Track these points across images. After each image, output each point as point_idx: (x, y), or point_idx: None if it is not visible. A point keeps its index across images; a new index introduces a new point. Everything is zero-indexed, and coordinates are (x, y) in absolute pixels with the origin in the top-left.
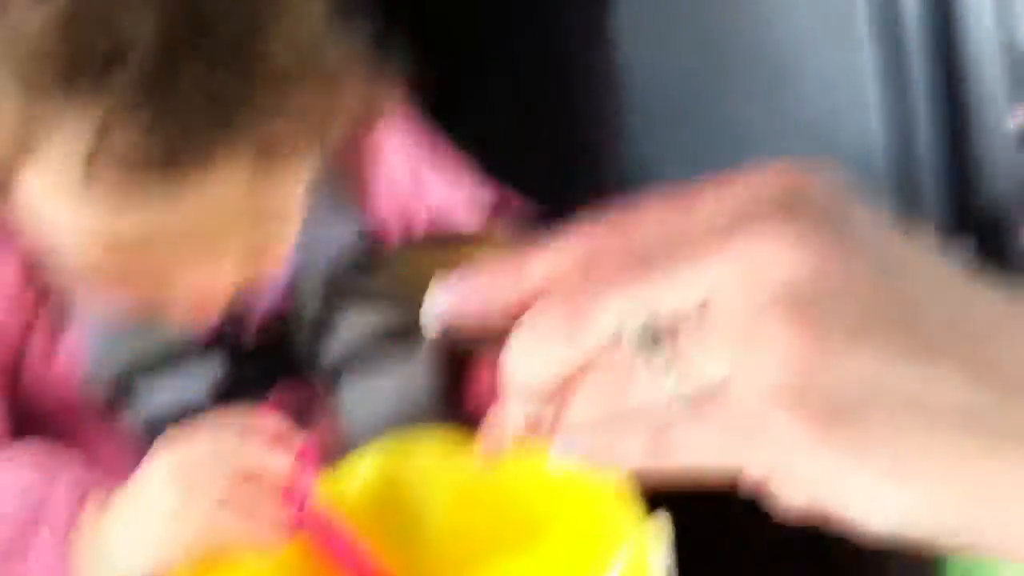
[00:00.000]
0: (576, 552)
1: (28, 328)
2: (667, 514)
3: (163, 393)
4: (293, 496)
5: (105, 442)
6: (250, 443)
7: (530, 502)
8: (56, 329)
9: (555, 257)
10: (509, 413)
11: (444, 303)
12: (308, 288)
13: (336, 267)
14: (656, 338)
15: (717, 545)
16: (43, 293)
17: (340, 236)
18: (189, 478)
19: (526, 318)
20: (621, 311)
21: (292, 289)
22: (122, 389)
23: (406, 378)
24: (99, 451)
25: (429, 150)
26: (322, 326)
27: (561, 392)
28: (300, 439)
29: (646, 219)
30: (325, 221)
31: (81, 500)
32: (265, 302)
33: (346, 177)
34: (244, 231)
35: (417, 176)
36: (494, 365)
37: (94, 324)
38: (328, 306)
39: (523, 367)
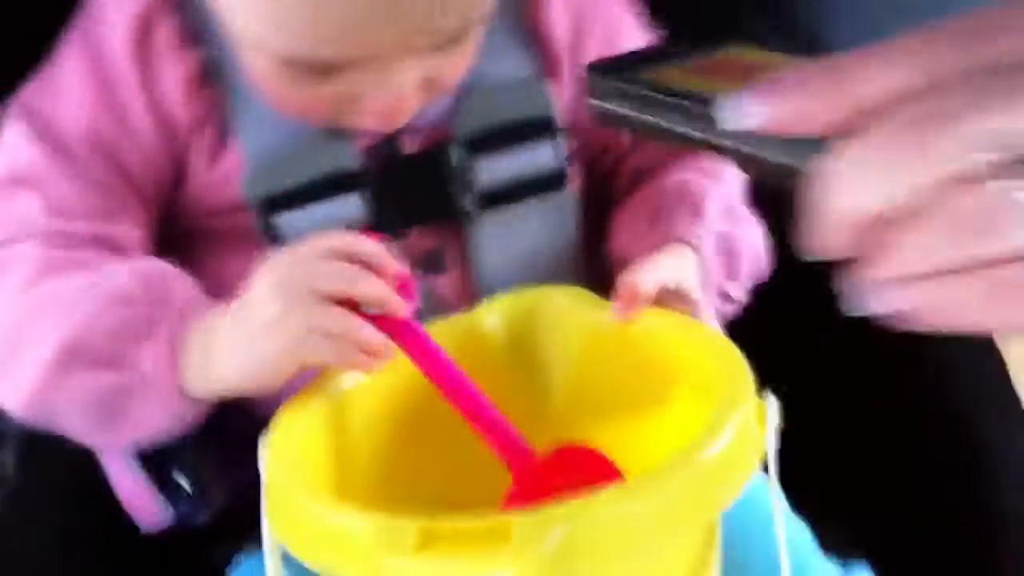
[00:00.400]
0: (695, 416)
1: (189, 143)
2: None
3: (305, 224)
4: (387, 321)
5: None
6: (358, 269)
7: (657, 362)
8: (217, 148)
9: (889, 72)
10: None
11: (754, 111)
12: (465, 126)
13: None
14: None
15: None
16: (211, 106)
17: (511, 70)
18: (290, 297)
19: (862, 138)
20: (980, 141)
21: (449, 124)
22: (267, 217)
23: (546, 229)
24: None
25: None
26: (466, 169)
27: (878, 232)
28: (400, 268)
29: (994, 33)
30: (497, 53)
31: (195, 312)
32: (418, 137)
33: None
34: (425, 57)
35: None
36: (630, 223)
37: (253, 147)
38: (475, 148)
39: (851, 192)
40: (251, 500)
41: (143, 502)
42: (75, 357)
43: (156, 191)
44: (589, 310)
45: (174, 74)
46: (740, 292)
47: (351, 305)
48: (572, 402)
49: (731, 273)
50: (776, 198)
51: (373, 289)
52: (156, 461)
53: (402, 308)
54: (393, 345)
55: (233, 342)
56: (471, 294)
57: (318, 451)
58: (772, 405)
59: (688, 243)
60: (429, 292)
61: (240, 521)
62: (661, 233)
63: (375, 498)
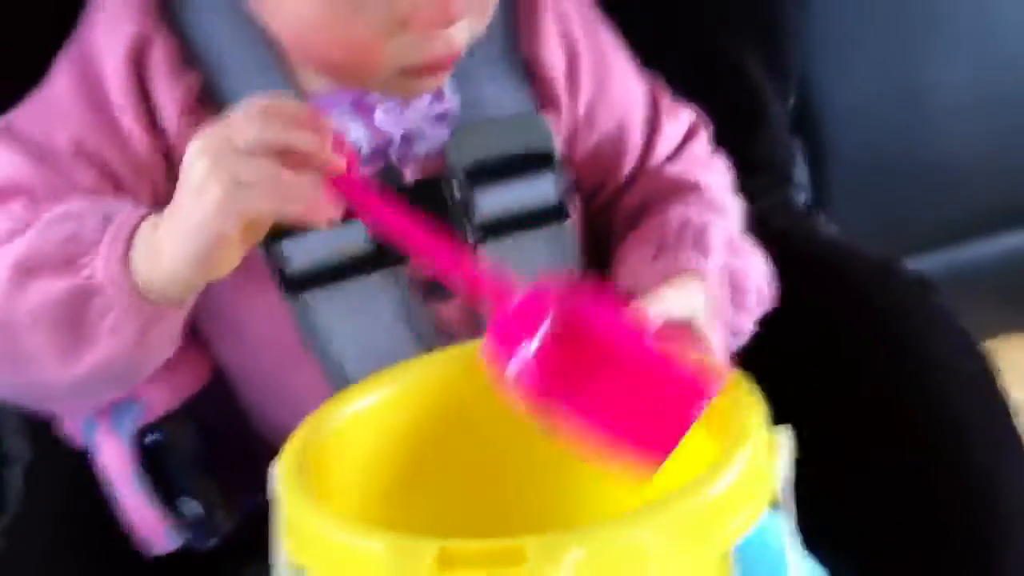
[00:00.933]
0: (705, 449)
1: None
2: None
3: (308, 251)
4: (331, 179)
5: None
6: (280, 122)
7: None
8: None
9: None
10: None
11: None
12: (464, 156)
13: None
14: None
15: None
16: None
17: (509, 103)
18: (212, 156)
19: None
20: None
21: (449, 155)
22: (269, 244)
23: (547, 258)
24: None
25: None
26: (466, 199)
27: None
28: (335, 128)
29: None
30: (494, 86)
31: (141, 214)
32: (418, 168)
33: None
34: None
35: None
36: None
37: None
38: (474, 179)
39: None
40: (260, 523)
41: (149, 527)
42: (29, 270)
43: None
44: None
45: (171, 97)
46: (747, 324)
47: (286, 158)
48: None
49: (738, 305)
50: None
51: (297, 138)
52: (163, 485)
53: (334, 159)
54: (333, 193)
55: (172, 226)
56: (475, 321)
57: (332, 473)
58: (785, 438)
59: (694, 275)
60: (433, 319)
61: (249, 543)
62: (666, 266)
63: (390, 521)
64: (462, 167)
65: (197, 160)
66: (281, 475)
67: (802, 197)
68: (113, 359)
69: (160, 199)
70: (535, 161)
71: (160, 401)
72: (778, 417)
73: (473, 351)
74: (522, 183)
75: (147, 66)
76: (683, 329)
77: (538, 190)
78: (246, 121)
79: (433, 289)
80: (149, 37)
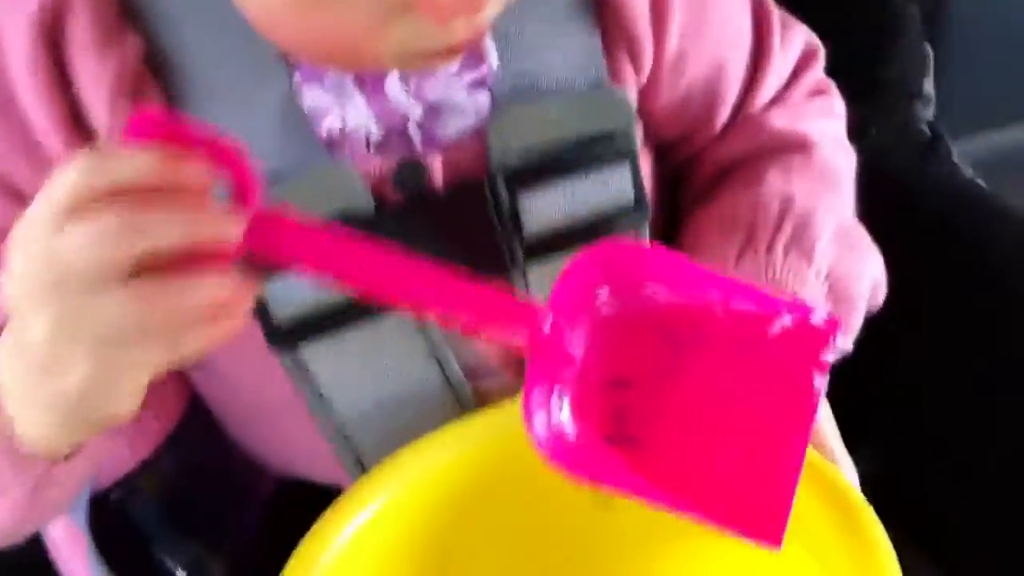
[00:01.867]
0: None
1: None
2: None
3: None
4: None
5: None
6: (125, 210)
7: None
8: None
9: None
10: None
11: None
12: (508, 146)
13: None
14: None
15: None
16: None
17: (567, 48)
18: (53, 307)
19: None
20: None
21: (488, 143)
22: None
23: None
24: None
25: None
26: (511, 207)
27: None
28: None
29: None
30: (551, 41)
31: None
32: (447, 163)
33: None
34: None
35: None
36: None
37: None
38: (522, 178)
39: None
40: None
41: None
42: None
43: None
44: None
45: (98, 77)
46: (848, 343)
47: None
48: (640, 518)
49: (841, 324)
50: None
51: (163, 229)
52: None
53: (228, 226)
54: (244, 282)
55: (16, 388)
56: (517, 364)
57: None
58: None
59: (793, 290)
60: (465, 355)
61: None
62: (753, 269)
63: None
64: (506, 162)
65: (25, 305)
66: None
67: (929, 112)
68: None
69: None
70: (605, 149)
71: (120, 462)
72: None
73: (504, 418)
74: (586, 181)
75: (64, 43)
76: None
77: (611, 187)
78: (62, 227)
79: None
80: (65, 3)
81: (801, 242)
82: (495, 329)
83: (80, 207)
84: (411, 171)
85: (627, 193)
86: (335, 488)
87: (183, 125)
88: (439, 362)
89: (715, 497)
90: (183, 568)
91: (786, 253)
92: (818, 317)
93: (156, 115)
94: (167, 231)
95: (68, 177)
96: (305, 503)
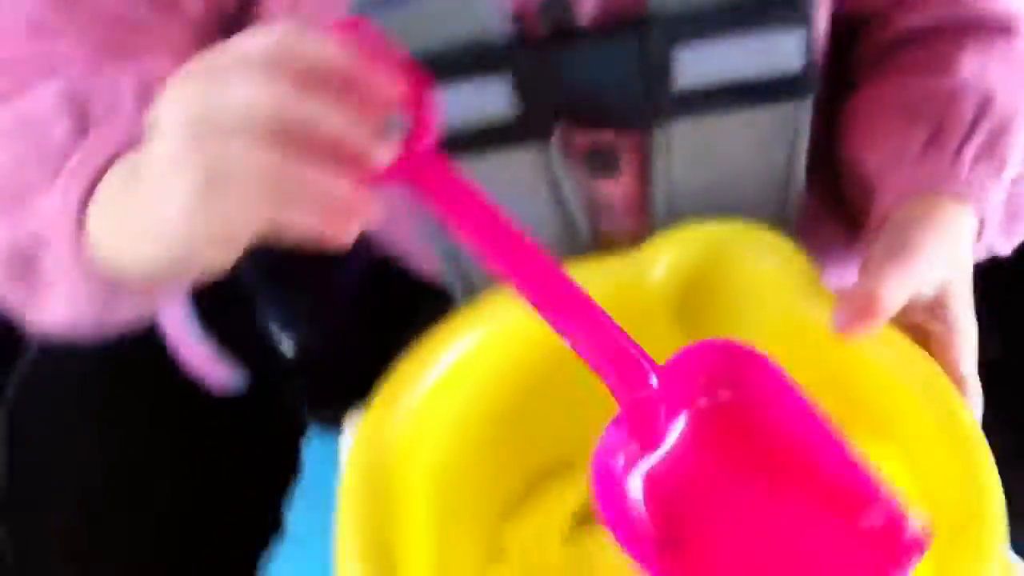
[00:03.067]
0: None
1: None
2: None
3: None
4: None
5: None
6: (297, 82)
7: (864, 407)
8: None
9: None
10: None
11: None
12: None
13: None
14: None
15: None
16: None
17: None
18: (188, 126)
19: None
20: None
21: None
22: None
23: (760, 145)
24: None
25: None
26: (666, 57)
27: None
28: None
29: None
30: None
31: (110, 154)
32: (599, 3)
33: None
34: None
35: None
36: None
37: None
38: (681, 29)
39: None
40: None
41: (209, 362)
42: None
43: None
44: (794, 291)
45: None
46: (1008, 249)
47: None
48: None
49: (1009, 231)
50: None
51: (322, 116)
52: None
53: (378, 151)
54: (371, 195)
55: (131, 201)
56: (641, 210)
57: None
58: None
59: (969, 207)
60: (590, 197)
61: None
62: (935, 172)
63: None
64: (666, 8)
65: (169, 123)
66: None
67: None
68: (79, 322)
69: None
70: (782, 9)
71: None
72: None
73: (612, 269)
74: (753, 39)
75: None
76: (928, 313)
77: (775, 52)
78: (244, 74)
79: (599, 161)
80: None
81: (994, 150)
82: (604, 367)
83: (269, 63)
84: (559, 3)
85: (795, 61)
86: (433, 283)
87: (386, 42)
88: (561, 198)
89: None
90: (279, 328)
91: (976, 161)
92: (911, 530)
93: (363, 24)
94: (330, 119)
95: (271, 34)
96: (401, 294)
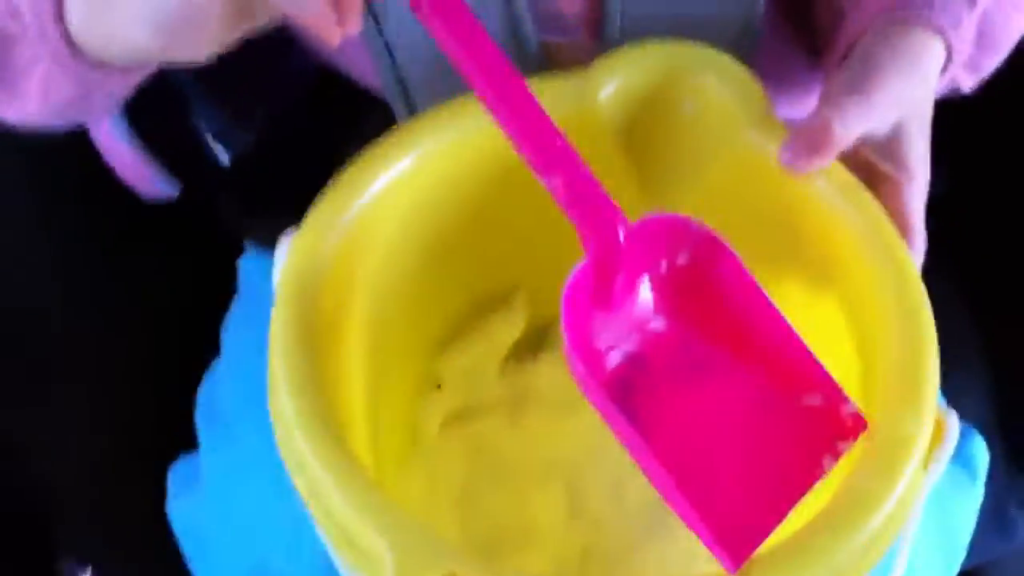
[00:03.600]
0: (832, 335)
1: None
2: None
3: None
4: None
5: None
6: None
7: (807, 243)
8: None
9: None
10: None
11: None
12: None
13: None
14: None
15: None
16: None
17: None
18: None
19: None
20: None
21: None
22: None
23: None
24: None
25: None
26: None
27: None
28: None
29: None
30: None
31: None
32: None
33: None
34: None
35: None
36: None
37: None
38: None
39: None
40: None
41: (141, 170)
42: None
43: None
44: (746, 120)
45: None
46: (973, 84)
47: None
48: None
49: (975, 66)
50: None
51: None
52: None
53: None
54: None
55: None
56: (594, 26)
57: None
58: (952, 426)
59: (937, 38)
60: (542, 9)
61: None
62: (906, 11)
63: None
64: None
65: None
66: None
67: None
68: (55, 109)
69: None
70: None
71: None
72: None
73: (561, 88)
74: None
75: None
76: (881, 154)
77: None
78: None
79: None
80: None
81: None
82: (576, 210)
83: None
84: None
85: None
86: (375, 95)
87: None
88: (512, 11)
89: (693, 491)
90: (214, 136)
91: None
92: (849, 410)
93: None
94: None
95: None
96: (343, 106)
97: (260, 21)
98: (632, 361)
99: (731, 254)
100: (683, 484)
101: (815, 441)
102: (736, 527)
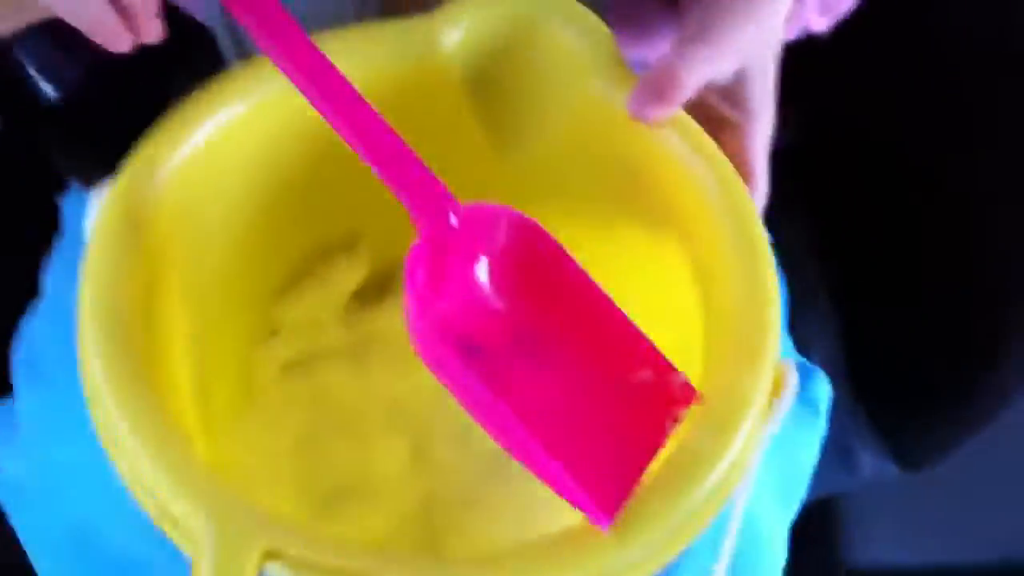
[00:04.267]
0: (671, 273)
1: None
2: None
3: None
4: None
5: None
6: None
7: (652, 188)
8: None
9: None
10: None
11: None
12: None
13: None
14: None
15: None
16: None
17: None
18: None
19: None
20: None
21: None
22: None
23: None
24: None
25: None
26: None
27: None
28: None
29: None
30: None
31: None
32: None
33: None
34: None
35: None
36: None
37: None
38: None
39: None
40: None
41: None
42: None
43: None
44: (595, 70)
45: None
46: (827, 25)
47: None
48: (527, 179)
49: (826, 7)
50: None
51: None
52: None
53: None
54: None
55: None
56: None
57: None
58: (792, 377)
59: None
60: None
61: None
62: None
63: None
64: None
65: None
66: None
67: None
68: None
69: None
70: None
71: None
72: None
73: (402, 35)
74: None
75: None
76: (725, 99)
77: None
78: None
79: None
80: None
81: None
82: (407, 198)
83: None
84: None
85: None
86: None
87: None
88: None
89: (556, 452)
90: (37, 70)
91: None
92: (677, 381)
93: None
94: None
95: None
96: (173, 41)
97: (41, 14)
98: (473, 340)
99: (552, 240)
100: (547, 446)
101: (654, 410)
102: (599, 485)
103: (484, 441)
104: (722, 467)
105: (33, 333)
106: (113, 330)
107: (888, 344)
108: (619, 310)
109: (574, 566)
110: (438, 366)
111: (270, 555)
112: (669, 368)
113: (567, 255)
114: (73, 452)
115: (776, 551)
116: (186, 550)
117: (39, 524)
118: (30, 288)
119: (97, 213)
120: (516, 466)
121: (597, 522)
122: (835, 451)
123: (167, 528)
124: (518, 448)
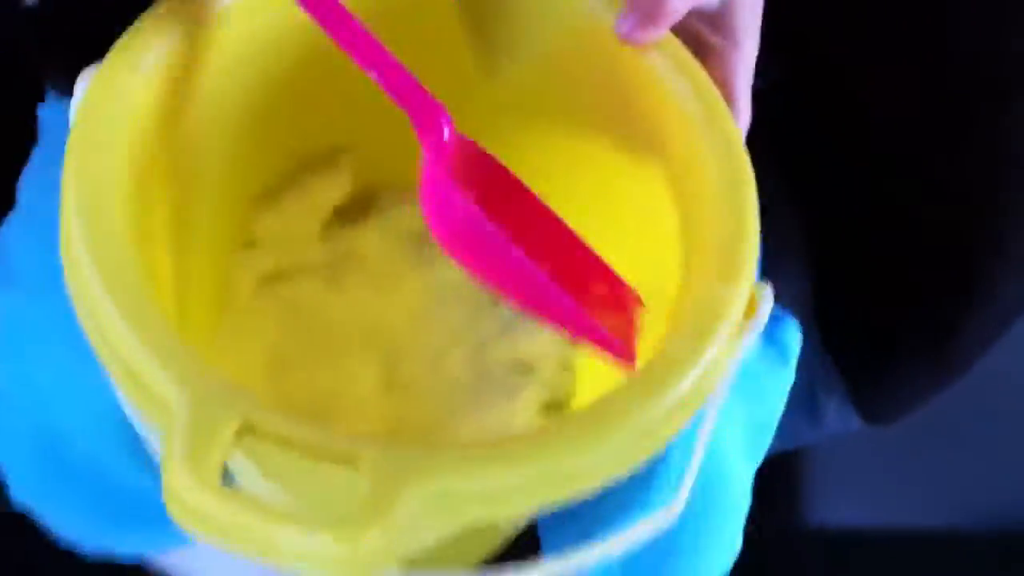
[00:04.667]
0: (654, 207)
1: None
2: None
3: None
4: None
5: None
6: None
7: (637, 114)
8: None
9: None
10: None
11: None
12: None
13: None
14: None
15: None
16: None
17: None
18: None
19: None
20: None
21: None
22: None
23: None
24: None
25: None
26: None
27: None
28: None
29: None
30: None
31: None
32: None
33: None
34: None
35: None
36: None
37: None
38: None
39: None
40: None
41: None
42: None
43: None
44: None
45: None
46: None
47: None
48: (514, 102)
49: None
50: None
51: None
52: None
53: None
54: None
55: None
56: None
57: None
58: (767, 298)
59: None
60: None
61: None
62: None
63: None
64: None
65: None
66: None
67: None
68: None
69: None
70: None
71: None
72: None
73: None
74: None
75: None
76: (711, 25)
77: None
78: None
79: None
80: None
81: None
82: (402, 102)
83: None
84: None
85: None
86: None
87: None
88: None
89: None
90: None
91: None
92: (631, 291)
93: None
94: None
95: None
96: None
97: None
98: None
99: (511, 174)
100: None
101: (615, 316)
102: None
103: (459, 365)
104: (697, 372)
105: (6, 240)
106: (96, 195)
107: (859, 292)
108: (574, 234)
109: (546, 460)
110: (449, 210)
111: (246, 429)
112: (621, 282)
113: (526, 187)
114: (44, 358)
115: (741, 493)
116: (156, 422)
117: (6, 427)
118: (5, 200)
119: (78, 106)
120: (486, 396)
121: (626, 360)
122: (801, 401)
123: (136, 398)
124: (536, 297)
